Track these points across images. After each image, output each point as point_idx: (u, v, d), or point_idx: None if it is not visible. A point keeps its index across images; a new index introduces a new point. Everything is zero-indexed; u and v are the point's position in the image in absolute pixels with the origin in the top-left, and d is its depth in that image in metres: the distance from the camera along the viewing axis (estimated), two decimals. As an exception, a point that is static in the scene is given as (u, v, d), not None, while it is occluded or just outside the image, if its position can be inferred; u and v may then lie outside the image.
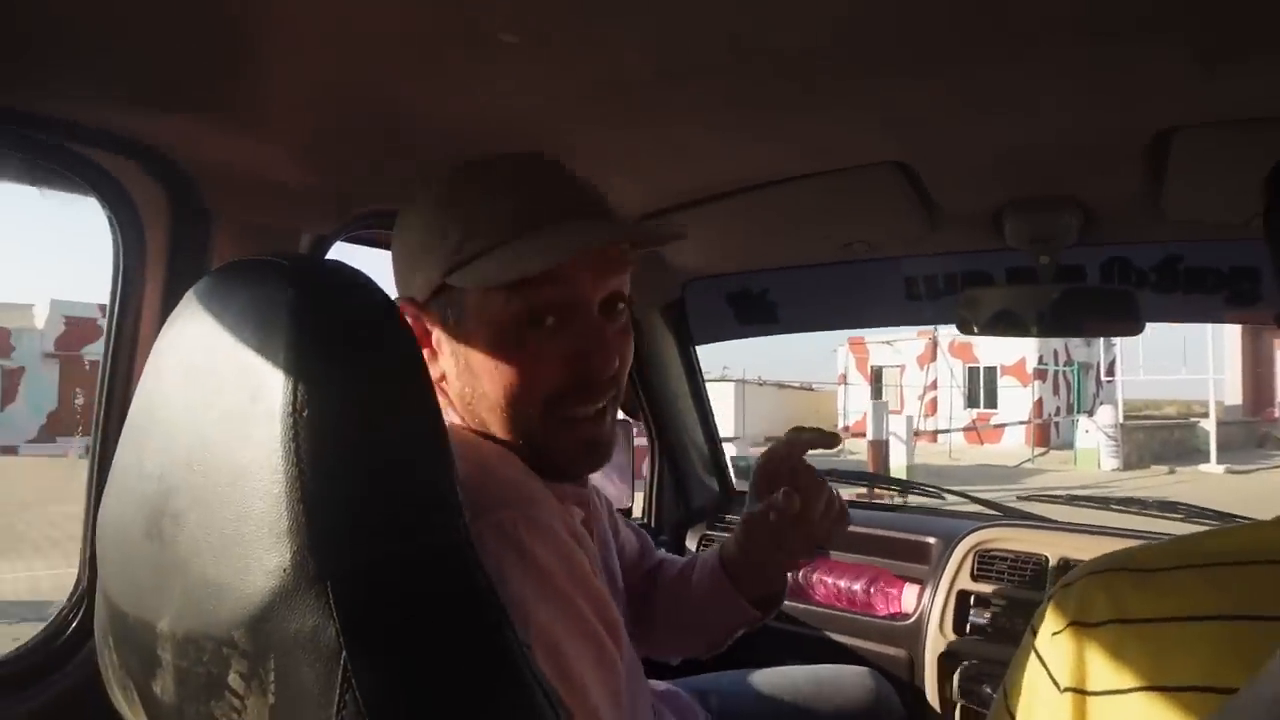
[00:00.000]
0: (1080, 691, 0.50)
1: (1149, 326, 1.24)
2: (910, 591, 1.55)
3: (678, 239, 0.83)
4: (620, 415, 1.93)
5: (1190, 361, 21.22)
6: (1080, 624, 0.51)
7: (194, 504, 0.55)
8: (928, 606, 1.49)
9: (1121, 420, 17.23)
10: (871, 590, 1.59)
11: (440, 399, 0.78)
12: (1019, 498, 1.71)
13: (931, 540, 1.57)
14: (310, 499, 0.48)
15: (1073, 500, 1.70)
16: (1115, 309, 1.22)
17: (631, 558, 1.11)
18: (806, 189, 1.23)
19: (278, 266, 0.55)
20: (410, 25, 0.74)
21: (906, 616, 1.52)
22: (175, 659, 0.55)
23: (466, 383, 0.76)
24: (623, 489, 1.80)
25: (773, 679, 1.34)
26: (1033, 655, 0.54)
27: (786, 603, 1.65)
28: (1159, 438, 19.26)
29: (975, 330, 1.30)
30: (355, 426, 0.52)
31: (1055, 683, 0.51)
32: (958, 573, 1.48)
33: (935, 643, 1.45)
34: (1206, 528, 1.44)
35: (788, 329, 1.64)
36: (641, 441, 1.88)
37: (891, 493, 1.95)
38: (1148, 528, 1.54)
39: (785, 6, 0.73)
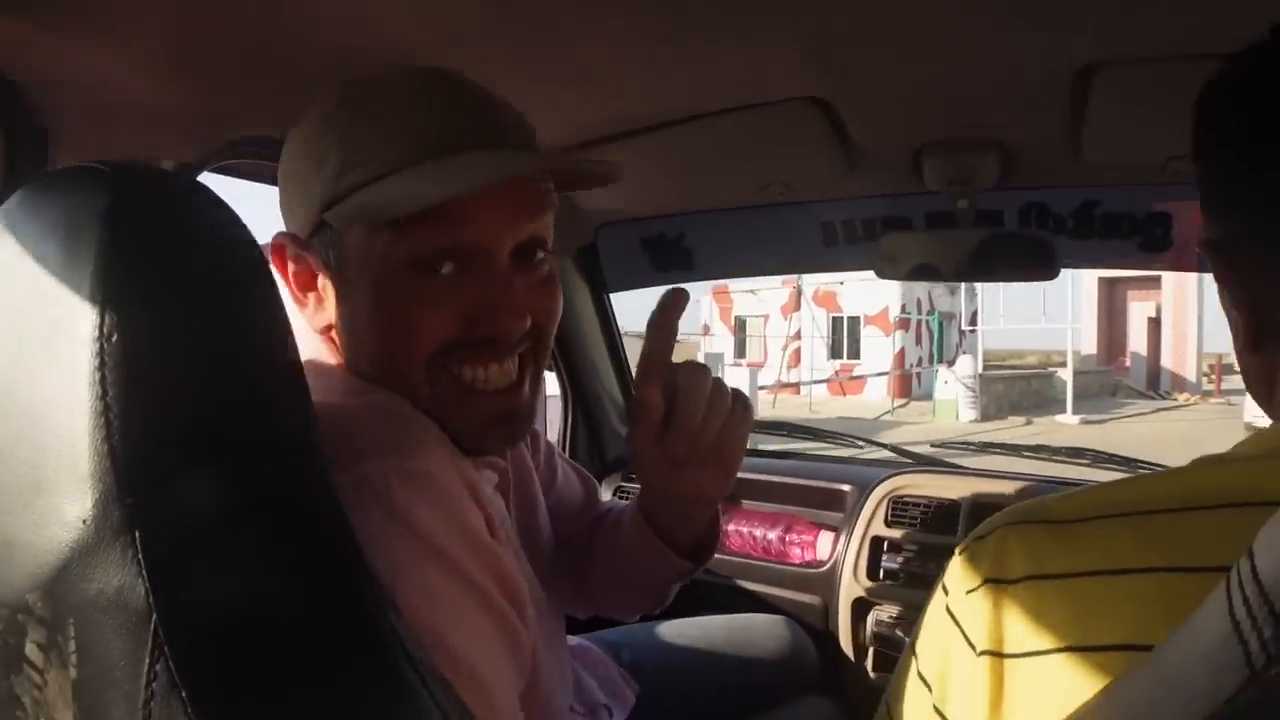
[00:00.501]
0: (998, 654, 0.46)
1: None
2: (825, 539, 1.54)
3: (613, 180, 0.70)
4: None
5: (1050, 312, 21.16)
6: (996, 581, 0.47)
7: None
8: (842, 553, 1.49)
9: (980, 370, 16.72)
10: (786, 538, 1.58)
11: (330, 353, 0.70)
12: (932, 445, 1.72)
13: (846, 488, 1.56)
14: (117, 437, 0.41)
15: (985, 448, 1.72)
16: (1031, 254, 1.21)
17: (573, 507, 1.01)
18: (723, 126, 1.17)
19: (96, 172, 0.47)
20: None
21: (821, 564, 1.52)
22: (-30, 629, 0.48)
23: (351, 335, 0.67)
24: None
25: (686, 629, 1.32)
26: (945, 616, 0.50)
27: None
28: (1017, 388, 18.84)
29: (893, 276, 1.28)
30: (175, 354, 0.44)
31: (971, 645, 0.47)
32: (871, 519, 1.48)
33: (849, 589, 1.45)
34: (1114, 472, 1.48)
35: (705, 275, 1.59)
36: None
37: (807, 442, 1.95)
38: (1057, 473, 1.57)
39: None
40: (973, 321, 21.78)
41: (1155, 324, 23.94)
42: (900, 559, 1.42)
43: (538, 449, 0.97)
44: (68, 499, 0.42)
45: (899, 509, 1.47)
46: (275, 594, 0.44)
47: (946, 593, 0.51)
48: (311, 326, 0.70)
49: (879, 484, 1.52)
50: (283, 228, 0.70)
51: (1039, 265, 1.20)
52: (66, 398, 0.42)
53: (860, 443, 1.84)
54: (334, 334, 0.69)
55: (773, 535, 1.59)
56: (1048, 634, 0.44)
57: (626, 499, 1.70)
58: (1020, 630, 0.45)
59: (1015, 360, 27.47)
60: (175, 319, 0.45)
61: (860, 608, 1.44)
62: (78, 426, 0.42)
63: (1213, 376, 23.15)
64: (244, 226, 0.50)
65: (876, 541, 1.46)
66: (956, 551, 0.52)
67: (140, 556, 0.40)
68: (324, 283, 0.68)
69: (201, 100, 0.91)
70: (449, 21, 0.86)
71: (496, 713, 0.59)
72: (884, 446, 1.80)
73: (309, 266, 0.68)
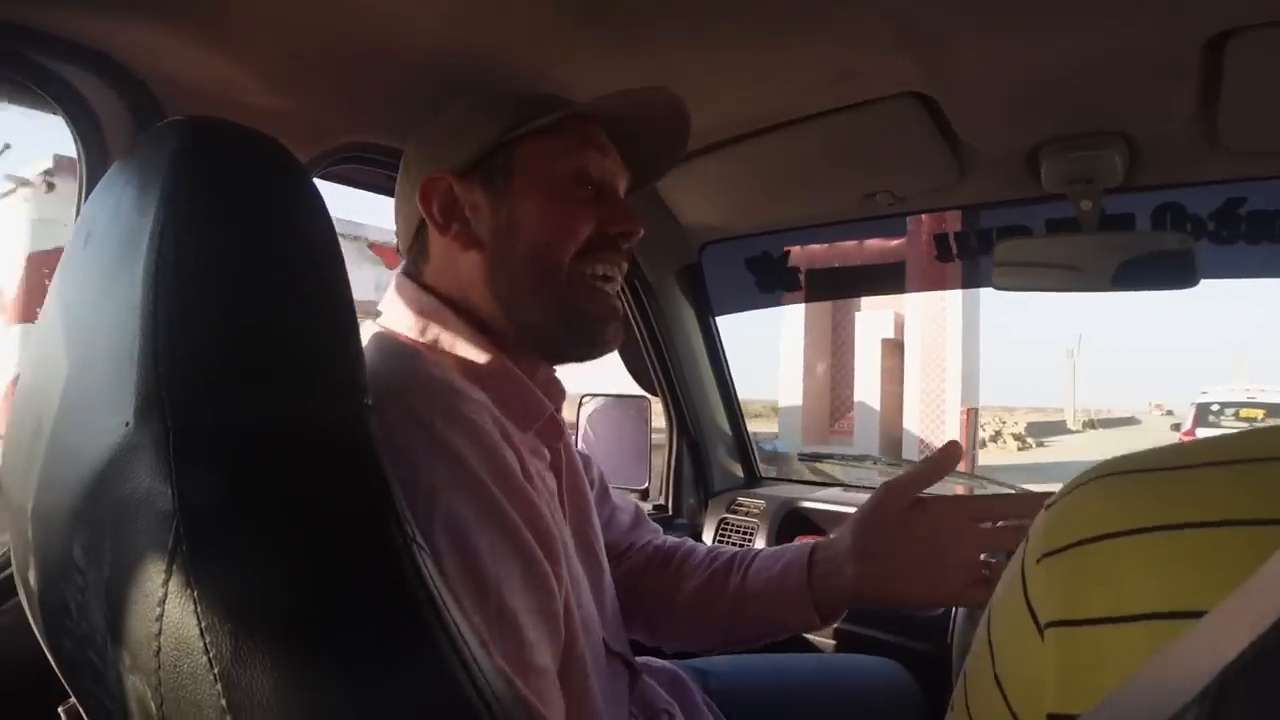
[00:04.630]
0: (1067, 623, 0.39)
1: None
2: (941, 579, 1.42)
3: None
4: (636, 390, 1.86)
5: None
6: (1080, 542, 0.40)
7: (61, 366, 0.50)
8: None
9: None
10: (899, 577, 1.47)
11: (448, 283, 0.80)
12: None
13: None
14: (163, 348, 0.42)
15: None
16: (1166, 258, 1.10)
17: (624, 524, 1.07)
18: (824, 130, 1.14)
19: (176, 122, 0.50)
20: None
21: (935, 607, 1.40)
22: (36, 539, 0.50)
23: (503, 241, 0.78)
24: (638, 469, 1.71)
25: (780, 664, 1.24)
26: (1019, 580, 0.43)
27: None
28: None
29: (1010, 287, 1.20)
30: (223, 277, 0.45)
31: (1036, 619, 0.41)
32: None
33: (966, 635, 1.33)
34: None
35: (811, 297, 1.54)
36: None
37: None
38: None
39: None
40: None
41: (896, 351, 13.08)
42: None
43: (590, 466, 1.02)
44: (113, 405, 0.43)
45: None
46: (297, 517, 0.43)
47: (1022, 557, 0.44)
48: (450, 251, 0.80)
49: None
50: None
51: (1175, 271, 1.09)
52: (122, 311, 0.44)
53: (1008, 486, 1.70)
54: (473, 254, 0.79)
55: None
56: (1131, 597, 0.37)
57: (731, 529, 1.65)
58: (1100, 594, 0.38)
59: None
60: (228, 242, 0.46)
61: None
62: (128, 340, 0.43)
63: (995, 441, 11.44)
64: (299, 167, 0.52)
65: None
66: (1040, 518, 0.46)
67: (172, 460, 0.41)
68: (477, 204, 0.79)
69: (312, 105, 0.97)
70: (548, 44, 0.90)
71: (526, 647, 0.59)
72: (1008, 487, 1.66)
73: (454, 198, 0.79)
